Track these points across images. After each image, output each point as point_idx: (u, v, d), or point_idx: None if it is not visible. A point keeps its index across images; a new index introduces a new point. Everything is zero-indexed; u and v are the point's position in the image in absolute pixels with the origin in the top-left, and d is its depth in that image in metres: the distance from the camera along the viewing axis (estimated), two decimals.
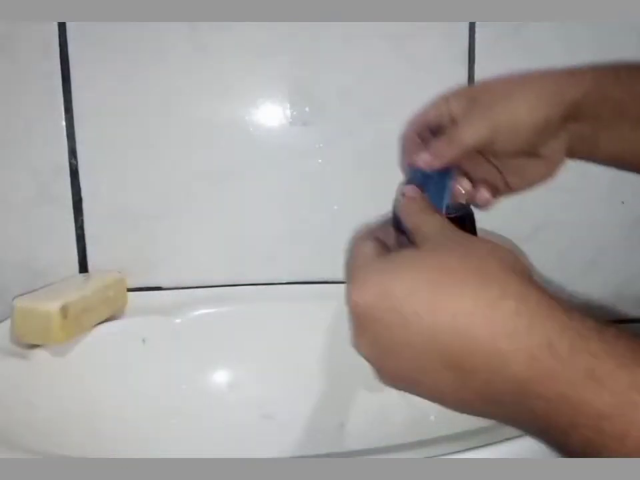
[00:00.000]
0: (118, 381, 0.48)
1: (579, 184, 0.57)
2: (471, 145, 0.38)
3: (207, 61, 0.53)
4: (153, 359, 0.50)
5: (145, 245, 0.56)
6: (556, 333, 0.23)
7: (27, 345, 0.45)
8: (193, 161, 0.55)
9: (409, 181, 0.39)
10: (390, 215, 0.37)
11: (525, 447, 0.30)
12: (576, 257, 0.60)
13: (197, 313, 0.53)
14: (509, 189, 0.43)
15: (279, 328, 0.53)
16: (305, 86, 0.54)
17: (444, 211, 0.36)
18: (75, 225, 0.54)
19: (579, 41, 0.56)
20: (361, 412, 0.50)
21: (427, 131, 0.43)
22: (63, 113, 0.53)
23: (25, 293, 0.48)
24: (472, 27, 0.55)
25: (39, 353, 0.45)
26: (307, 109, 0.55)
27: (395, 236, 0.35)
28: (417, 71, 0.55)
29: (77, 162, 0.53)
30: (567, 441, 0.22)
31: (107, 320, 0.50)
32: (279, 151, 0.55)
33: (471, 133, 0.38)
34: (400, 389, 0.29)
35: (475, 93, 0.41)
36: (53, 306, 0.43)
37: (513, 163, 0.41)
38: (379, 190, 0.50)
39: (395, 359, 0.27)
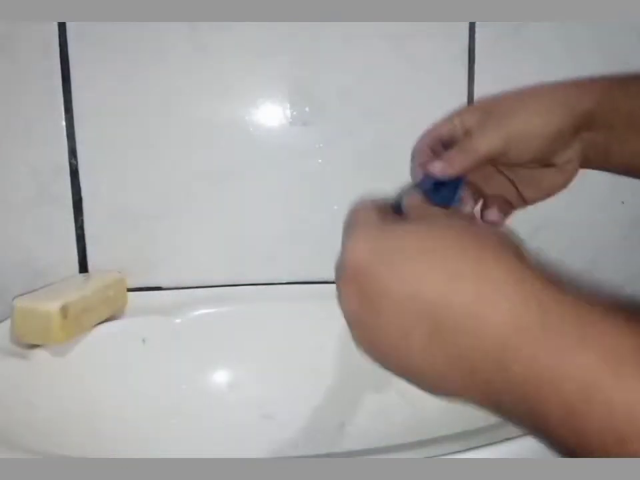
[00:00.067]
0: (118, 381, 0.48)
1: (579, 184, 0.57)
2: (484, 154, 0.39)
3: (207, 61, 0.53)
4: (153, 358, 0.50)
5: (145, 245, 0.56)
6: (544, 302, 0.23)
7: (27, 344, 0.45)
8: (192, 161, 0.55)
9: (419, 187, 0.39)
10: (392, 200, 0.37)
11: (524, 447, 0.30)
12: (576, 257, 0.60)
13: (196, 312, 0.52)
14: (523, 202, 0.44)
15: (279, 328, 0.53)
16: (304, 86, 0.54)
17: None
18: (75, 225, 0.54)
19: (579, 41, 0.56)
20: (361, 412, 0.50)
21: (439, 144, 0.43)
22: (63, 113, 0.53)
23: (25, 293, 0.48)
24: (472, 27, 0.55)
25: (38, 353, 0.45)
26: (306, 109, 0.55)
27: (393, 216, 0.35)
28: (417, 71, 0.55)
29: (76, 162, 0.53)
30: (546, 413, 0.22)
31: (107, 320, 0.50)
32: (279, 151, 0.55)
33: (484, 143, 0.39)
34: (373, 355, 0.28)
35: (488, 106, 0.41)
36: (53, 306, 0.43)
37: (527, 174, 0.42)
38: (379, 190, 0.50)
39: (376, 316, 0.27)
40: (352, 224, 0.30)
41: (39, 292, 0.48)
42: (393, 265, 0.26)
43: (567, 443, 0.21)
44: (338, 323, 0.53)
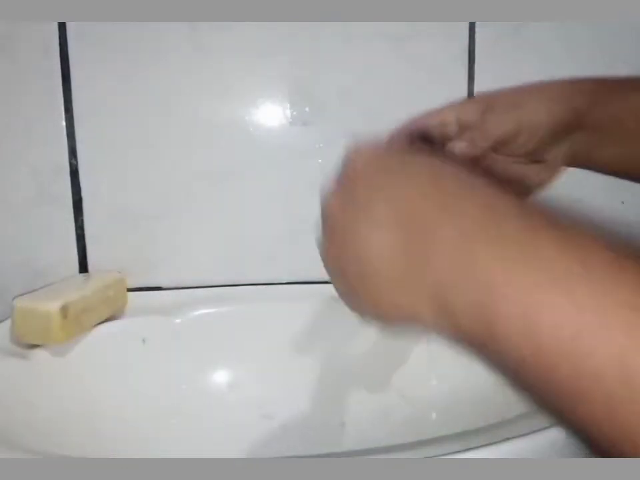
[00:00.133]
0: (118, 381, 0.48)
1: (579, 184, 0.57)
2: (501, 136, 0.40)
3: (207, 61, 0.53)
4: (153, 358, 0.50)
5: (145, 245, 0.56)
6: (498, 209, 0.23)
7: (27, 344, 0.45)
8: (193, 161, 0.55)
9: None
10: None
11: (525, 447, 0.30)
12: None
13: (196, 312, 0.52)
14: None
15: (279, 328, 0.53)
16: (305, 86, 0.54)
17: None
18: (75, 225, 0.54)
19: (579, 41, 0.56)
20: (361, 412, 0.50)
21: (418, 136, 0.43)
22: (63, 113, 0.53)
23: (25, 293, 0.48)
24: (472, 27, 0.55)
25: (38, 353, 0.45)
26: (306, 109, 0.55)
27: None
28: (417, 71, 0.55)
29: (76, 162, 0.53)
30: (498, 329, 0.21)
31: (107, 320, 0.50)
32: (279, 151, 0.55)
33: (500, 126, 0.39)
34: (333, 250, 0.29)
35: (489, 99, 0.42)
36: (53, 306, 0.43)
37: (516, 170, 0.42)
38: None
39: (357, 206, 0.27)
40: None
41: (39, 292, 0.48)
42: (392, 172, 0.27)
43: (521, 353, 0.20)
44: (338, 323, 0.53)
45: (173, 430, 0.48)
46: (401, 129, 0.43)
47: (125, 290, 0.54)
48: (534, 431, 0.30)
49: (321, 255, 0.30)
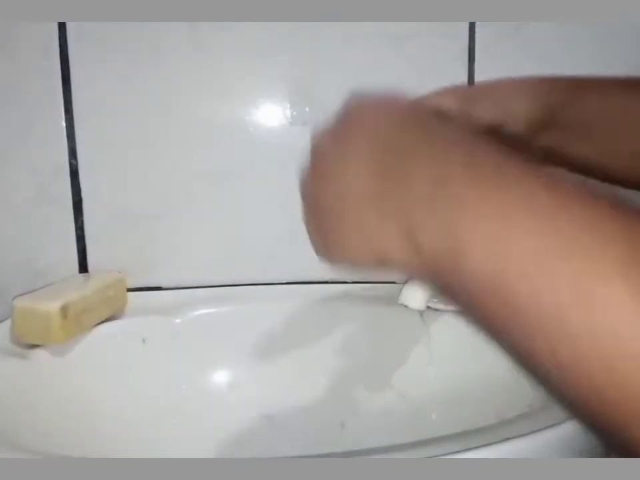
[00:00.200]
0: (118, 381, 0.48)
1: None
2: (487, 123, 0.39)
3: (207, 61, 0.53)
4: (153, 358, 0.50)
5: (145, 245, 0.56)
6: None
7: (27, 344, 0.45)
8: (193, 161, 0.55)
9: None
10: None
11: (525, 447, 0.30)
12: None
13: (196, 312, 0.53)
14: None
15: (279, 328, 0.53)
16: (305, 86, 0.54)
17: None
18: (75, 225, 0.54)
19: (579, 41, 0.56)
20: (361, 412, 0.50)
21: None
22: (63, 113, 0.53)
23: (25, 293, 0.48)
24: (472, 27, 0.55)
25: (38, 353, 0.45)
26: (306, 109, 0.55)
27: None
28: (417, 71, 0.55)
29: (76, 162, 0.53)
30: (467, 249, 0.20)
31: (107, 320, 0.50)
32: (279, 151, 0.55)
33: (487, 113, 0.39)
34: (317, 195, 0.29)
35: (471, 90, 0.41)
36: (53, 306, 0.43)
37: None
38: None
39: (347, 134, 0.28)
40: None
41: (39, 292, 0.48)
42: (384, 114, 0.28)
43: (485, 278, 0.20)
44: (338, 323, 0.53)
45: (173, 430, 0.48)
46: None
47: (125, 290, 0.54)
48: (534, 431, 0.30)
49: (301, 191, 0.30)
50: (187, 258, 0.56)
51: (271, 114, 0.54)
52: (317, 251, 0.30)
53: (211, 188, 0.55)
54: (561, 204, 0.19)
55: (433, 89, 0.47)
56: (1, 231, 0.54)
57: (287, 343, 0.52)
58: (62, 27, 0.51)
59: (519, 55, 0.55)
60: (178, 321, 0.52)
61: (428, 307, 0.50)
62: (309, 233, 0.30)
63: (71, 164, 0.53)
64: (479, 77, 0.55)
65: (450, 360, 0.48)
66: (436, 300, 0.50)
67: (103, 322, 0.50)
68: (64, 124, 0.53)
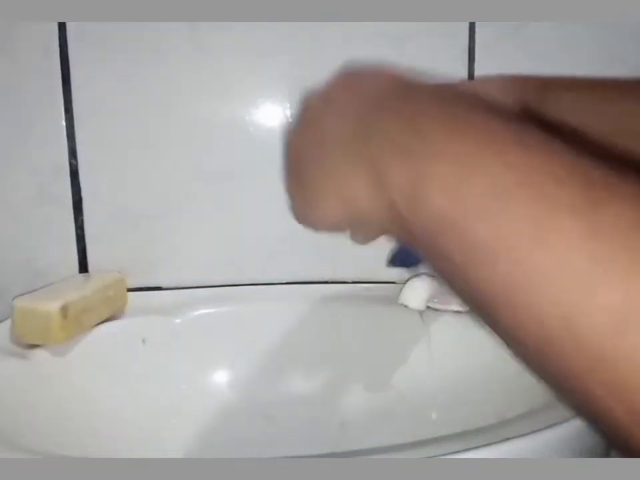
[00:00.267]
0: (118, 381, 0.48)
1: None
2: None
3: (207, 61, 0.53)
4: (153, 359, 0.50)
5: (145, 245, 0.56)
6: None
7: (27, 344, 0.45)
8: (192, 161, 0.55)
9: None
10: None
11: (525, 447, 0.30)
12: None
13: (196, 312, 0.53)
14: None
15: (278, 328, 0.53)
16: (305, 86, 0.54)
17: None
18: (75, 225, 0.54)
19: (579, 41, 0.56)
20: (361, 412, 0.50)
21: None
22: (63, 113, 0.53)
23: (25, 293, 0.48)
24: (472, 27, 0.55)
25: (38, 353, 0.45)
26: None
27: None
28: (417, 71, 0.55)
29: (76, 162, 0.53)
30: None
31: (107, 320, 0.50)
32: (279, 151, 0.55)
33: None
34: (297, 148, 0.30)
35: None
36: (53, 306, 0.43)
37: None
38: None
39: (331, 108, 0.28)
40: None
41: (39, 292, 0.48)
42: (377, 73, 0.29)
43: (444, 215, 0.20)
44: (338, 323, 0.53)
45: (173, 430, 0.48)
46: None
47: (125, 290, 0.54)
48: (534, 431, 0.30)
49: (283, 145, 0.32)
50: (186, 258, 0.56)
51: (270, 114, 0.54)
52: (293, 211, 0.31)
53: (211, 188, 0.55)
54: (525, 150, 0.19)
55: None
56: (1, 231, 0.54)
57: (286, 342, 0.52)
58: (62, 26, 0.51)
59: (519, 55, 0.55)
60: (178, 320, 0.52)
61: (428, 307, 0.51)
62: (287, 191, 0.31)
63: (70, 164, 0.53)
64: (483, 76, 0.55)
65: (450, 360, 0.48)
66: (436, 300, 0.50)
67: (103, 322, 0.50)
68: (64, 124, 0.53)
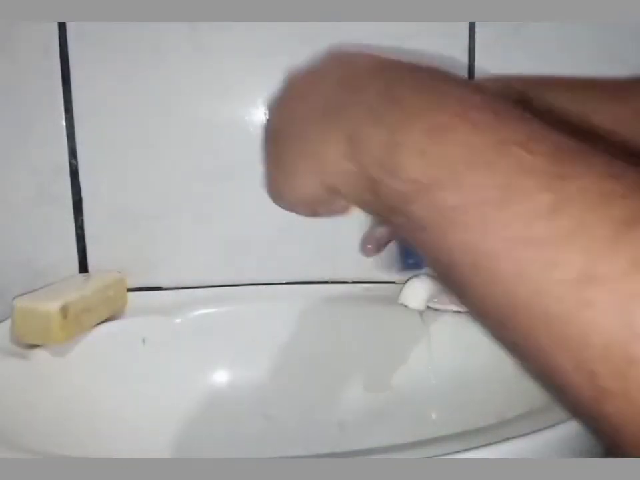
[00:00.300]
0: (118, 381, 0.48)
1: None
2: None
3: (207, 61, 0.53)
4: (153, 359, 0.50)
5: (145, 245, 0.56)
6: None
7: (27, 344, 0.45)
8: (192, 160, 0.55)
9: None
10: None
11: (525, 447, 0.30)
12: None
13: (196, 312, 0.52)
14: None
15: (278, 328, 0.53)
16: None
17: None
18: (75, 225, 0.54)
19: (579, 41, 0.56)
20: (360, 412, 0.50)
21: None
22: (63, 113, 0.53)
23: (25, 293, 0.48)
24: (472, 27, 0.55)
25: (38, 353, 0.45)
26: None
27: None
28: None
29: (76, 162, 0.53)
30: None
31: (107, 320, 0.50)
32: None
33: None
34: (277, 123, 0.30)
35: None
36: (53, 306, 0.43)
37: None
38: None
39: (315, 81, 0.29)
40: None
41: (39, 292, 0.48)
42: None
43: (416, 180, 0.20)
44: (338, 323, 0.53)
45: (172, 430, 0.48)
46: None
47: (125, 290, 0.54)
48: (534, 431, 0.30)
49: (266, 119, 0.33)
50: (186, 258, 0.56)
51: None
52: (268, 189, 0.32)
53: (211, 188, 0.55)
54: (498, 121, 0.20)
55: None
56: (1, 231, 0.54)
57: (286, 342, 0.52)
58: (62, 26, 0.51)
59: (518, 54, 0.55)
60: (178, 320, 0.52)
61: (428, 307, 0.51)
62: (265, 169, 0.32)
63: (70, 164, 0.53)
64: (479, 77, 0.55)
65: (450, 360, 0.48)
66: (436, 300, 0.50)
67: (103, 322, 0.50)
68: (64, 124, 0.53)
